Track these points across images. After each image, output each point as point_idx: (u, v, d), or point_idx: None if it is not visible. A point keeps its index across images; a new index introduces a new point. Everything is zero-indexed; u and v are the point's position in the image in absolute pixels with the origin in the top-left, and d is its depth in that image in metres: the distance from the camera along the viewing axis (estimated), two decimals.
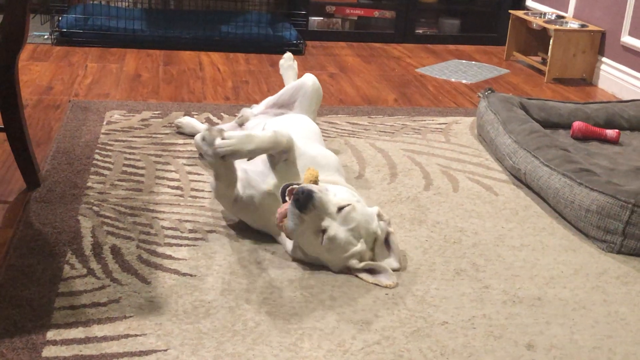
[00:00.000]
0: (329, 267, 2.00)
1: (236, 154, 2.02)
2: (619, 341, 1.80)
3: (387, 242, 2.05)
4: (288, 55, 2.95)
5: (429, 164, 2.80)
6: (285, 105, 2.70)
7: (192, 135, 2.82)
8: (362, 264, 1.98)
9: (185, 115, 3.13)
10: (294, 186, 1.96)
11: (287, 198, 1.97)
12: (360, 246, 1.97)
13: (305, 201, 1.89)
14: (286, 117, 2.55)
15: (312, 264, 2.02)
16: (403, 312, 1.84)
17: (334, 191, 1.99)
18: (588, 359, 1.72)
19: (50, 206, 2.25)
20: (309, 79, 2.69)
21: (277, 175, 2.11)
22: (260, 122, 2.53)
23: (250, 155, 2.04)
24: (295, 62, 2.95)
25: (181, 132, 2.91)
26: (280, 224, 1.97)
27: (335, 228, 1.93)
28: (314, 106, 2.70)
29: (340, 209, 1.94)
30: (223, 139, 2.00)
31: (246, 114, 2.66)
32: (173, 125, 2.96)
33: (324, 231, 1.93)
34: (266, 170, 2.14)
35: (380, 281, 1.96)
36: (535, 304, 1.92)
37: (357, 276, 1.98)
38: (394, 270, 2.00)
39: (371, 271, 1.99)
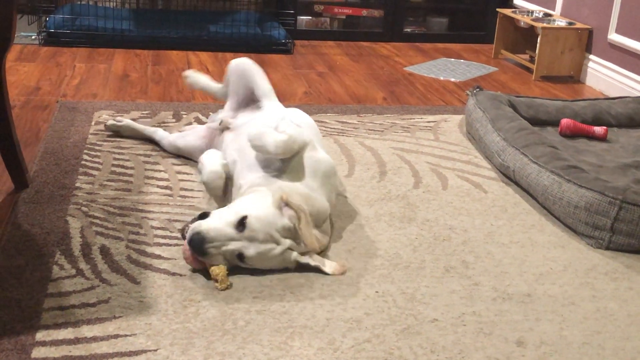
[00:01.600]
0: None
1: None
2: (608, 336, 1.81)
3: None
4: (186, 73, 2.90)
5: (418, 162, 2.80)
6: (245, 99, 2.64)
7: (130, 137, 2.83)
8: (302, 259, 1.96)
9: (174, 114, 3.13)
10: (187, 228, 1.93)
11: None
12: (281, 245, 1.93)
13: (200, 245, 1.86)
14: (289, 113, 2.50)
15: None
16: (393, 310, 1.84)
17: (219, 211, 1.95)
18: (577, 354, 1.73)
19: (39, 207, 2.24)
20: (234, 61, 2.67)
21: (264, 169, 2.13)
22: (244, 122, 2.48)
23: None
24: (196, 73, 2.90)
25: (118, 134, 2.86)
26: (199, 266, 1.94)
27: (247, 248, 1.90)
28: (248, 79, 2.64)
29: (239, 224, 1.88)
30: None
31: (227, 120, 2.52)
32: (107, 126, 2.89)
33: (240, 255, 1.90)
34: (256, 164, 2.14)
35: (323, 268, 1.98)
36: (524, 301, 1.93)
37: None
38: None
39: (309, 264, 1.98)
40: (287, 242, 1.94)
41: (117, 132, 2.85)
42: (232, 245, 1.89)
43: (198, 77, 2.88)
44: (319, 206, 2.07)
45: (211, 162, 2.18)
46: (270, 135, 2.11)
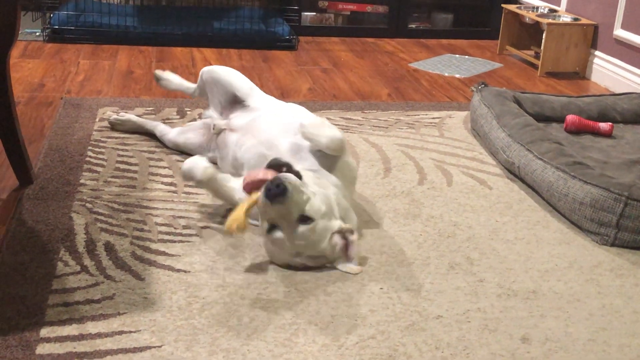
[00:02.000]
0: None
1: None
2: (614, 333, 1.80)
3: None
4: (157, 73, 2.87)
5: (423, 159, 2.80)
6: (229, 101, 2.59)
7: (133, 132, 2.83)
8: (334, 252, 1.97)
9: (178, 111, 3.13)
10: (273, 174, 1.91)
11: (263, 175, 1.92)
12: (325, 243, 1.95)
13: (277, 194, 1.84)
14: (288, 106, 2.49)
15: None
16: (398, 307, 1.84)
17: (313, 196, 1.93)
18: (583, 351, 1.72)
19: (43, 203, 2.24)
20: (204, 70, 2.65)
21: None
22: (250, 119, 2.47)
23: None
24: (166, 73, 2.87)
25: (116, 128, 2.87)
26: (248, 192, 1.93)
27: (285, 235, 1.90)
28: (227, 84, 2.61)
29: (303, 219, 1.89)
30: None
31: (220, 124, 2.48)
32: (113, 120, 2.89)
33: (272, 227, 1.91)
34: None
35: (347, 268, 1.98)
36: (529, 297, 1.93)
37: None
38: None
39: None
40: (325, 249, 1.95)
41: (119, 127, 2.85)
42: (280, 223, 1.89)
43: (170, 78, 2.86)
44: (352, 217, 2.09)
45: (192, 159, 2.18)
46: (329, 128, 2.10)
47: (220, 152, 2.43)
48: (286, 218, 1.88)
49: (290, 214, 1.87)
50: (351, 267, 1.98)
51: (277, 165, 1.95)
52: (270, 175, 1.90)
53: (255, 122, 2.37)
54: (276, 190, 1.84)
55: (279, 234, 1.91)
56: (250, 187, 1.93)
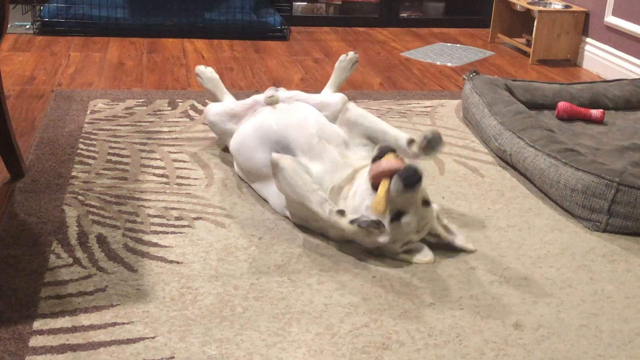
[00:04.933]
0: (362, 243, 2.02)
1: None
2: (606, 319, 1.81)
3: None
4: (351, 55, 2.82)
5: None
6: None
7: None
8: (403, 247, 2.01)
9: (169, 102, 3.12)
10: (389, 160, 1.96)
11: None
12: (415, 237, 2.01)
13: (414, 181, 1.89)
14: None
15: (299, 245, 2.02)
16: (390, 295, 1.84)
17: None
18: (575, 337, 1.73)
19: (35, 196, 2.24)
20: (341, 100, 2.59)
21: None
22: (292, 105, 2.44)
23: None
24: (354, 66, 2.82)
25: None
26: (376, 181, 1.95)
27: (412, 219, 1.95)
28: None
29: (424, 202, 1.98)
30: None
31: (277, 95, 2.50)
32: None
33: (399, 214, 1.94)
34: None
35: (419, 259, 2.00)
36: (522, 284, 1.93)
37: (393, 258, 2.01)
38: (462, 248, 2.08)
39: (408, 251, 2.03)
40: (416, 238, 2.02)
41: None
42: (408, 208, 1.95)
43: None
44: None
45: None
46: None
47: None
48: (416, 202, 1.95)
49: (418, 198, 1.96)
50: (428, 255, 2.03)
51: (385, 150, 2.01)
52: (397, 164, 1.94)
53: (291, 108, 2.39)
54: (413, 178, 1.89)
55: (406, 219, 1.95)
56: (378, 177, 1.95)
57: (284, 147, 2.21)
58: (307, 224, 2.12)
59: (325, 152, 2.15)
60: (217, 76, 2.80)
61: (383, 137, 2.16)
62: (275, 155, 2.10)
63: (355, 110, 2.26)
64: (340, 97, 2.60)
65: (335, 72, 2.81)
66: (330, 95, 2.65)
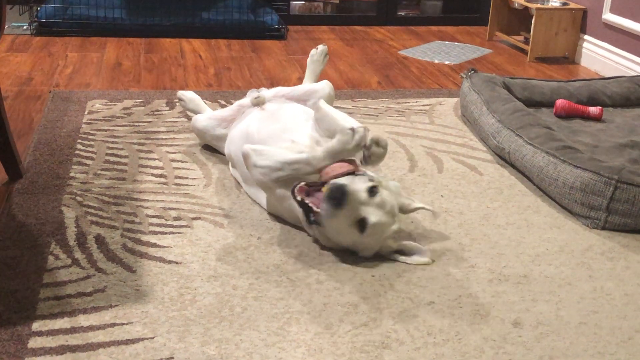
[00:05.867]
0: (360, 252, 1.99)
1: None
2: (605, 316, 1.81)
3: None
4: (321, 48, 2.93)
5: (414, 146, 2.80)
6: (296, 101, 2.61)
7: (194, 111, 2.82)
8: (396, 245, 2.00)
9: (167, 103, 3.12)
10: (302, 185, 1.93)
11: (296, 196, 1.93)
12: (396, 225, 1.98)
13: (340, 198, 1.86)
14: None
15: (298, 245, 2.02)
16: (389, 294, 1.84)
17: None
18: (574, 334, 1.73)
19: (33, 197, 2.23)
20: (327, 85, 2.63)
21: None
22: (280, 107, 2.45)
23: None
24: (326, 58, 2.95)
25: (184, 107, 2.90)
26: (303, 200, 1.94)
27: (374, 214, 1.91)
28: None
29: (370, 190, 1.92)
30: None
31: (263, 95, 2.52)
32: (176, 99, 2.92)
33: (362, 220, 1.91)
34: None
35: (416, 260, 1.99)
36: (521, 282, 1.93)
37: (391, 258, 2.00)
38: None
39: (403, 252, 2.01)
40: (398, 225, 1.98)
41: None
42: (362, 211, 1.90)
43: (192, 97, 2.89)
44: None
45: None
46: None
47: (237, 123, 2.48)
48: (361, 204, 1.92)
49: (360, 199, 1.93)
50: (426, 256, 2.02)
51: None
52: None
53: (281, 109, 2.41)
54: (337, 194, 1.88)
55: (372, 218, 1.91)
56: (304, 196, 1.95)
57: None
58: (295, 220, 2.12)
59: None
60: (197, 96, 2.88)
61: (335, 130, 2.09)
62: (244, 147, 2.11)
63: (320, 111, 2.19)
64: (325, 82, 2.65)
65: (309, 67, 2.91)
66: (314, 83, 2.72)
